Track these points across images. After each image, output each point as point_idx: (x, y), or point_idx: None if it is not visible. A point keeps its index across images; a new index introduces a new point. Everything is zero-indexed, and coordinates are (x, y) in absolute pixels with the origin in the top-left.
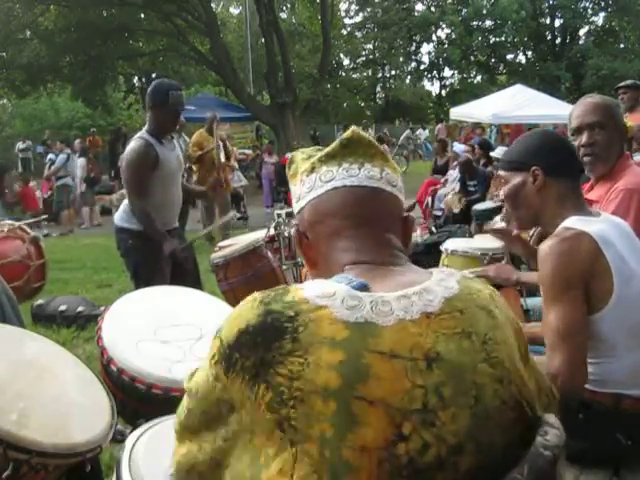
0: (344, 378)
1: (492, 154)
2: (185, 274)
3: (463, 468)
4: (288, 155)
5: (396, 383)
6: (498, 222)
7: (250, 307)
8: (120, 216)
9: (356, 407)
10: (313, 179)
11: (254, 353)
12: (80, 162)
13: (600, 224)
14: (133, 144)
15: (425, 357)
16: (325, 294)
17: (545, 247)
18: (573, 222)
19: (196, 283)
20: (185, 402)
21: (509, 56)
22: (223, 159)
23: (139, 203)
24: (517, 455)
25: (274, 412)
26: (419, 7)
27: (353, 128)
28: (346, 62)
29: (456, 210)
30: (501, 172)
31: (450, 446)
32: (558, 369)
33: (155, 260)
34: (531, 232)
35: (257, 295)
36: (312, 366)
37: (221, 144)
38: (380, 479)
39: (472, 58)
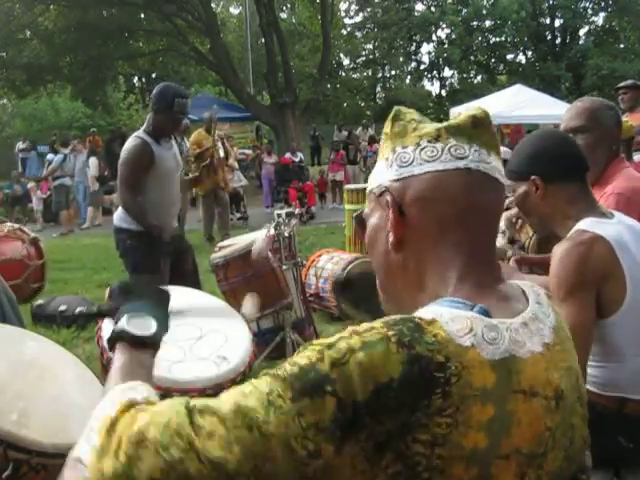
0: (492, 437)
1: None
2: (184, 274)
3: None
4: (288, 155)
5: (533, 427)
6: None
7: (385, 351)
8: (119, 216)
9: (495, 468)
10: (440, 148)
11: (395, 416)
12: (92, 161)
13: (615, 226)
14: (129, 143)
15: (555, 395)
16: (464, 329)
17: (560, 250)
18: (588, 224)
19: (195, 283)
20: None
21: (509, 56)
22: (222, 154)
23: (130, 198)
24: None
25: None
26: (419, 7)
27: (482, 108)
28: (346, 62)
29: None
30: (508, 181)
31: None
32: None
33: (153, 260)
34: (525, 239)
35: (387, 333)
36: (461, 427)
37: (219, 142)
38: None
39: (472, 58)
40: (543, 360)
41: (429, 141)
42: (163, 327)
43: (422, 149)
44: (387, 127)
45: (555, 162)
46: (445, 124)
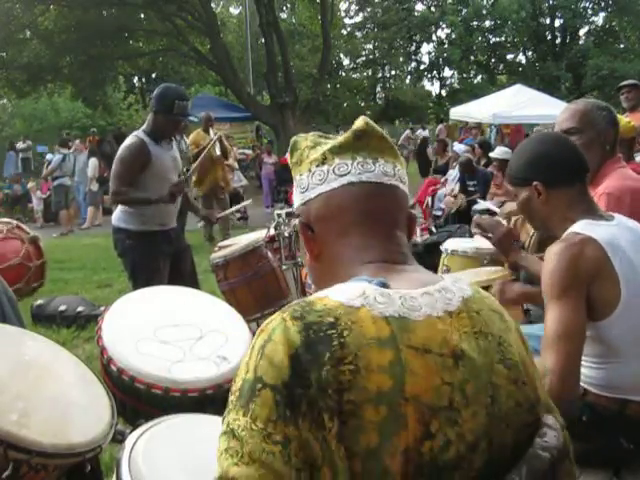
0: (395, 379)
1: (491, 154)
2: (183, 274)
3: (475, 466)
4: (288, 155)
5: (428, 379)
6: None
7: (283, 329)
8: (117, 216)
9: (404, 408)
10: (325, 171)
11: (313, 376)
12: (92, 162)
13: (610, 228)
14: (127, 141)
15: (452, 354)
16: (356, 295)
17: (552, 251)
18: (581, 227)
19: (194, 283)
20: None
21: (509, 56)
22: (219, 152)
23: (119, 191)
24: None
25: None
26: (419, 7)
27: (364, 119)
28: (346, 62)
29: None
30: (509, 186)
31: (468, 444)
32: (548, 371)
33: (152, 260)
34: (525, 239)
35: (282, 316)
36: (363, 372)
37: (216, 139)
38: (404, 477)
39: (472, 58)
40: (442, 323)
41: (317, 166)
42: None
43: (312, 174)
44: (289, 158)
45: (556, 167)
46: (329, 146)
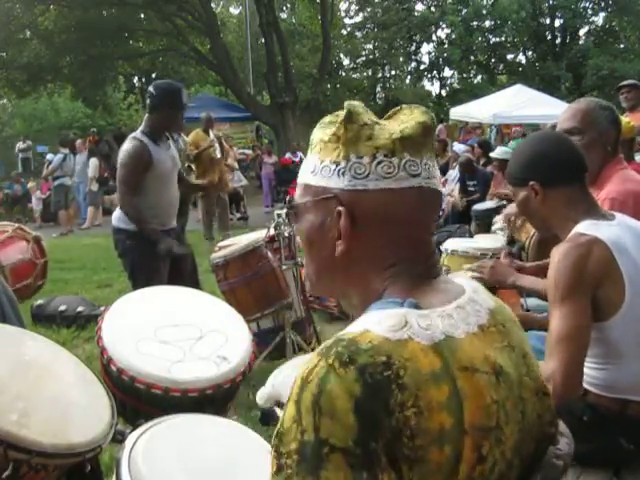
0: (453, 414)
1: (492, 154)
2: (183, 274)
3: None
4: (288, 155)
5: (479, 400)
6: (498, 222)
7: (337, 379)
8: (117, 216)
9: (462, 443)
10: (395, 165)
11: (383, 426)
12: (92, 162)
13: (614, 228)
14: (127, 145)
15: (494, 370)
16: (399, 325)
17: (558, 252)
18: (586, 227)
19: (194, 283)
20: None
21: (509, 56)
22: (218, 155)
23: (130, 203)
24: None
25: None
26: (419, 7)
27: (424, 110)
28: (346, 62)
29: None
30: (509, 186)
31: (507, 462)
32: (552, 374)
33: (152, 260)
34: (525, 239)
35: (327, 362)
36: (425, 413)
37: (216, 140)
38: None
39: (472, 58)
40: (478, 339)
41: (385, 155)
42: None
43: (378, 163)
44: (339, 129)
45: (553, 167)
46: (399, 134)
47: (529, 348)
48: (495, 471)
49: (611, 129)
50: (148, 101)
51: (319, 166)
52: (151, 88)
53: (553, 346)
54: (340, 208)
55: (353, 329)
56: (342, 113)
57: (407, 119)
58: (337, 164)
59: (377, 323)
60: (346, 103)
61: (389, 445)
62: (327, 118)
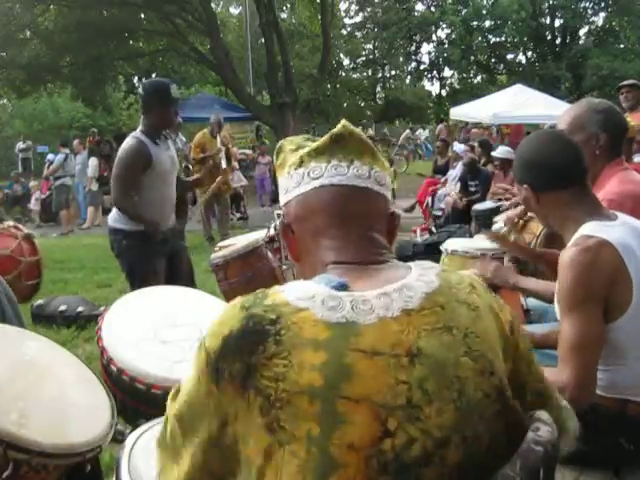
0: (327, 378)
1: (493, 154)
2: (180, 274)
3: (450, 462)
4: None
5: (379, 380)
6: (498, 222)
7: (231, 313)
8: (114, 217)
9: (341, 406)
10: (301, 174)
11: (240, 359)
12: (92, 162)
13: (619, 228)
14: (126, 143)
15: (407, 353)
16: (305, 296)
17: (566, 256)
18: (592, 229)
19: (191, 283)
20: (171, 426)
21: (509, 56)
22: (224, 165)
23: (123, 198)
24: (505, 450)
25: (264, 416)
26: (419, 7)
27: (344, 122)
28: (346, 62)
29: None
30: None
31: (436, 440)
32: (566, 382)
33: (149, 260)
34: (531, 239)
35: (237, 301)
36: (296, 367)
37: (223, 149)
38: (367, 476)
39: (472, 58)
40: (397, 324)
41: (295, 169)
42: None
43: (291, 177)
44: (275, 161)
45: (543, 173)
46: (307, 149)
47: (484, 326)
48: (415, 447)
49: (600, 133)
50: (140, 103)
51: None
52: (140, 90)
53: (566, 354)
54: (280, 221)
55: (277, 287)
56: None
57: (322, 138)
58: (279, 188)
59: (293, 289)
60: (281, 142)
61: (239, 374)
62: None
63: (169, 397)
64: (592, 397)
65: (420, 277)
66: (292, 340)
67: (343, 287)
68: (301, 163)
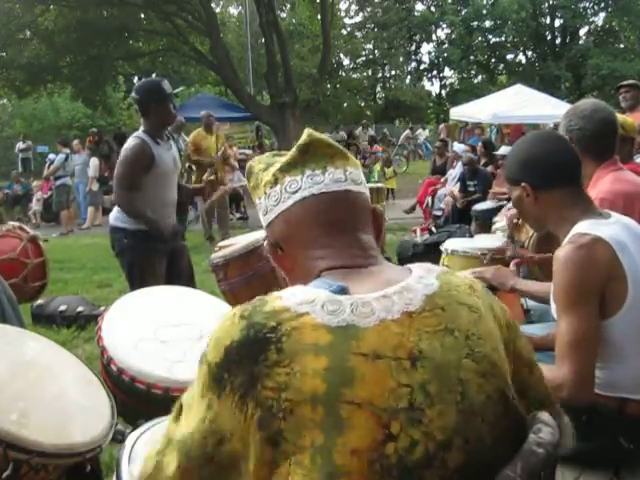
0: (329, 383)
1: (496, 153)
2: (180, 273)
3: (452, 465)
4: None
5: (381, 383)
6: (498, 222)
7: (231, 323)
8: (114, 216)
9: (344, 411)
10: (278, 191)
11: (242, 369)
12: (92, 162)
13: (612, 226)
14: (129, 142)
15: (409, 356)
16: (305, 301)
17: (561, 255)
18: (586, 227)
19: (191, 282)
20: (178, 454)
21: (509, 56)
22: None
23: (125, 197)
24: (508, 452)
25: (264, 429)
26: (419, 7)
27: (308, 131)
28: (346, 62)
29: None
30: (506, 184)
31: (438, 442)
32: (564, 379)
33: (149, 259)
34: (525, 238)
35: (236, 310)
36: (298, 375)
37: (221, 158)
38: None
39: (472, 58)
40: (398, 326)
41: (270, 187)
42: None
43: (268, 197)
44: (247, 184)
45: (543, 170)
46: (279, 165)
47: (486, 327)
48: (417, 450)
49: (582, 138)
50: (137, 106)
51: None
52: (133, 94)
53: (564, 351)
54: (266, 242)
55: (275, 294)
56: None
57: (289, 152)
58: (258, 210)
59: (291, 294)
60: (250, 161)
61: (242, 385)
62: None
63: (171, 417)
64: (590, 395)
65: (420, 279)
66: (293, 346)
67: (342, 290)
68: (276, 180)
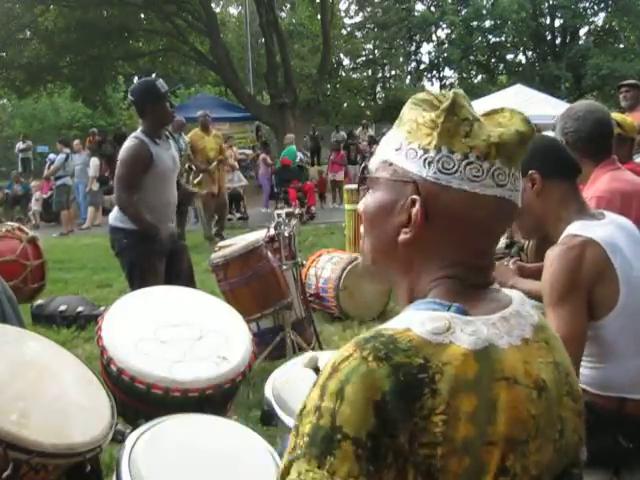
0: (478, 425)
1: None
2: (180, 274)
3: None
4: (283, 156)
5: (515, 412)
6: None
7: (367, 371)
8: (114, 216)
9: (484, 454)
10: (485, 170)
11: (402, 425)
12: (93, 162)
13: (606, 227)
14: (128, 142)
15: (535, 385)
16: (441, 328)
17: (552, 255)
18: (579, 228)
19: (191, 283)
20: None
21: (509, 56)
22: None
23: (126, 198)
24: None
25: None
26: (419, 7)
27: (522, 117)
28: (346, 62)
29: None
30: None
31: (531, 477)
32: None
33: (149, 259)
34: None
35: (361, 354)
36: (452, 421)
37: (215, 162)
38: None
39: (472, 58)
40: (521, 352)
41: (477, 157)
42: None
43: (469, 164)
44: (438, 117)
45: (554, 158)
46: (497, 139)
47: (572, 368)
48: None
49: (578, 140)
50: (134, 107)
51: (405, 147)
52: (129, 95)
53: None
54: (415, 197)
55: (395, 325)
56: (444, 98)
57: (506, 123)
58: (426, 151)
59: (420, 323)
60: (453, 91)
61: (401, 446)
62: (422, 95)
63: None
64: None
65: (522, 305)
66: (449, 386)
67: (463, 312)
68: (487, 155)
